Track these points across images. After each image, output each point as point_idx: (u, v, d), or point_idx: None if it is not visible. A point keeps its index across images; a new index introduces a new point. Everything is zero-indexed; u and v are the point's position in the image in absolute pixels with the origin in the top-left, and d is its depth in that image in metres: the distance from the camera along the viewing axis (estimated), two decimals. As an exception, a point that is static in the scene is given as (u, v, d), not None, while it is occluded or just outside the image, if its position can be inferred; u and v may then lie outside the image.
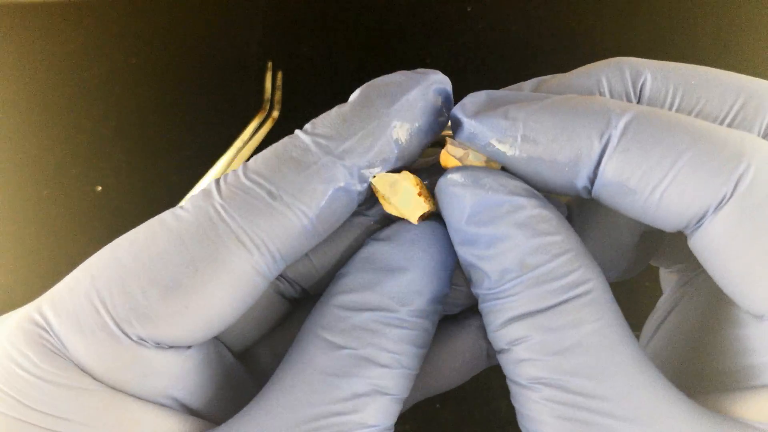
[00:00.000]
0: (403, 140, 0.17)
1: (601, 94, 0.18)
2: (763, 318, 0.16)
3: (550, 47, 0.43)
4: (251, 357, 0.21)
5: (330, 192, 0.17)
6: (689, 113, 0.17)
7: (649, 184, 0.16)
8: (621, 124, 0.16)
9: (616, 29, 0.44)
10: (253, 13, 0.44)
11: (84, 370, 0.16)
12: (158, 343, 0.17)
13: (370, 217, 0.20)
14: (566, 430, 0.16)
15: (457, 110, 0.18)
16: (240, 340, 0.21)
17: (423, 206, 0.18)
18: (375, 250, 0.18)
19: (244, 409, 0.17)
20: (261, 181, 0.17)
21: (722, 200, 0.15)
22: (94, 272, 0.17)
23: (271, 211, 0.17)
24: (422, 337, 0.18)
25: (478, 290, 0.18)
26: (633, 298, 0.34)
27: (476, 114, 0.17)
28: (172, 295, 0.16)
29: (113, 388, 0.17)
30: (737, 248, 0.16)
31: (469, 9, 0.44)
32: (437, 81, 0.18)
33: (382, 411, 0.17)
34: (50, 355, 0.16)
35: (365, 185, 0.18)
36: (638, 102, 0.18)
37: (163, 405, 0.18)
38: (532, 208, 0.17)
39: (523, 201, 0.17)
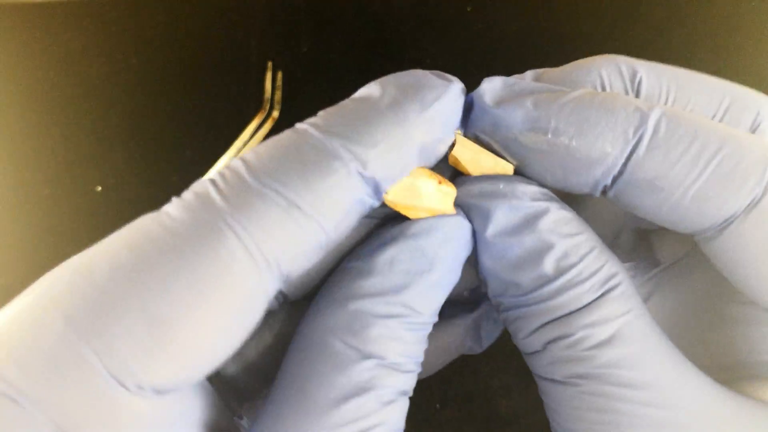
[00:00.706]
0: (429, 151, 0.16)
1: (602, 87, 0.18)
2: None
3: (550, 47, 0.43)
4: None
5: (348, 203, 0.15)
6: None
7: (680, 185, 0.16)
8: (652, 122, 0.16)
9: (616, 30, 0.44)
10: (253, 13, 0.44)
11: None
12: (158, 388, 0.14)
13: (374, 218, 0.18)
14: (606, 421, 0.16)
15: (479, 96, 0.17)
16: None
17: (451, 193, 0.17)
18: (401, 249, 0.16)
19: (264, 420, 0.15)
20: (275, 185, 0.14)
21: (752, 202, 0.15)
22: (66, 308, 0.13)
23: (288, 221, 0.14)
24: (429, 332, 0.17)
25: (504, 299, 0.17)
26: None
27: (500, 103, 0.17)
28: (174, 327, 0.13)
29: None
30: (766, 250, 0.16)
31: (469, 9, 0.44)
32: (461, 89, 0.17)
33: (403, 410, 0.16)
34: (18, 422, 0.13)
35: (380, 197, 0.16)
36: (637, 96, 0.18)
37: None
38: (556, 211, 0.16)
39: (546, 205, 0.16)
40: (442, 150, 0.17)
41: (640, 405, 0.16)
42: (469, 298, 0.22)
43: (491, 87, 0.17)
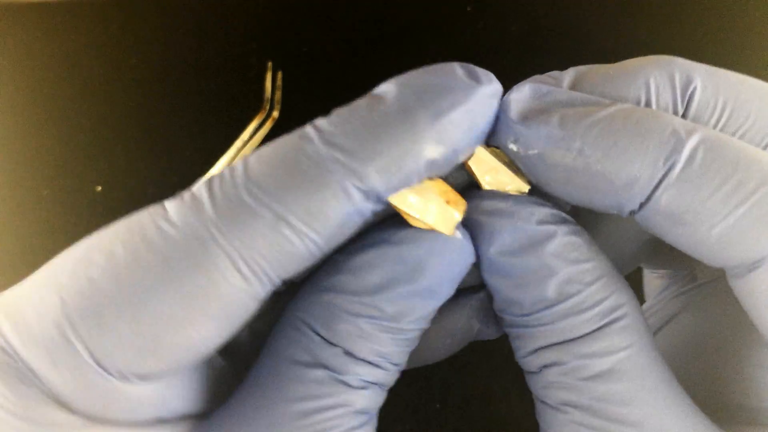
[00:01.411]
0: (439, 163, 0.15)
1: (647, 100, 0.16)
2: None
3: (550, 47, 0.43)
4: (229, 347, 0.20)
5: (342, 217, 0.15)
6: (734, 132, 0.16)
7: (706, 222, 0.15)
8: (687, 151, 0.15)
9: (616, 29, 0.44)
10: (253, 12, 0.44)
11: (60, 403, 0.15)
12: (144, 378, 0.15)
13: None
14: None
15: (504, 110, 0.16)
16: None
17: (455, 218, 0.16)
18: (386, 253, 0.16)
19: (230, 403, 0.16)
20: (265, 198, 0.14)
21: None
22: (64, 295, 0.14)
23: (276, 236, 0.14)
24: (416, 338, 0.17)
25: (506, 315, 0.17)
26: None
27: (525, 118, 0.16)
28: (161, 330, 0.14)
29: (94, 419, 0.15)
30: None
31: (469, 9, 0.44)
32: (490, 94, 0.15)
33: (373, 400, 0.16)
34: (18, 386, 0.14)
35: (382, 206, 0.15)
36: (685, 113, 0.16)
37: (146, 425, 0.16)
38: (563, 236, 0.16)
39: (553, 229, 0.16)
40: (460, 160, 0.16)
41: None
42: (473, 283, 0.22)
43: (518, 98, 0.16)
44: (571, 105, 0.16)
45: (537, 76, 0.17)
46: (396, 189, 0.15)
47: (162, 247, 0.14)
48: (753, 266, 0.15)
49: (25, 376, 0.14)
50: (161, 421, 0.16)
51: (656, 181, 0.15)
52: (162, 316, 0.14)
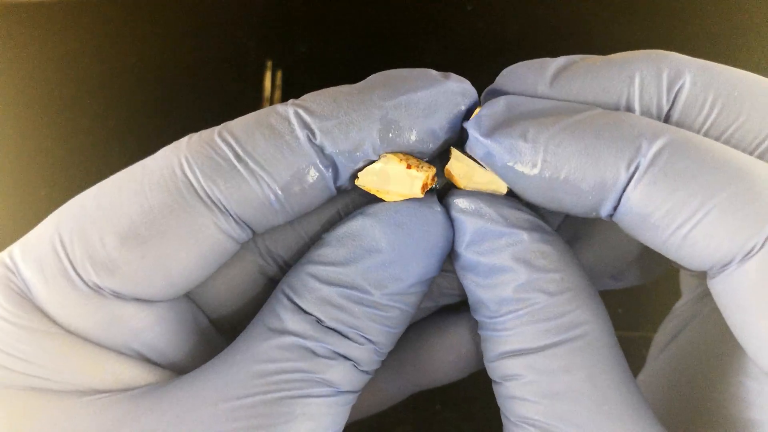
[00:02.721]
0: (388, 140, 0.16)
1: (630, 95, 0.16)
2: None
3: (550, 47, 0.43)
4: (233, 330, 0.21)
5: (298, 168, 0.16)
6: (723, 131, 0.16)
7: (673, 223, 0.15)
8: (651, 153, 0.15)
9: (616, 29, 0.44)
10: (252, 12, 0.44)
11: (47, 314, 0.16)
12: (116, 293, 0.16)
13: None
14: None
15: (472, 126, 0.16)
16: (218, 310, 0.20)
17: (419, 176, 0.16)
18: (359, 225, 0.17)
19: (210, 361, 0.17)
20: (231, 140, 0.16)
21: (750, 252, 0.14)
22: (60, 218, 0.17)
23: (233, 173, 0.16)
24: (396, 318, 0.17)
25: (477, 317, 0.17)
26: (637, 296, 0.34)
27: (493, 132, 0.16)
28: (129, 244, 0.16)
29: (75, 334, 0.16)
30: (759, 305, 0.15)
31: (469, 8, 0.44)
32: (456, 90, 0.16)
33: (345, 375, 0.16)
34: (15, 297, 0.16)
35: (345, 177, 0.16)
36: (671, 109, 0.16)
37: (126, 355, 0.17)
38: (532, 243, 0.16)
39: (523, 235, 0.16)
40: (419, 147, 0.17)
41: None
42: None
43: (488, 113, 0.16)
44: (540, 115, 0.16)
45: (525, 62, 0.18)
46: (348, 156, 0.16)
47: (140, 176, 0.16)
48: (722, 269, 0.15)
49: (21, 289, 0.16)
50: (134, 352, 0.18)
51: (622, 184, 0.15)
52: (131, 232, 0.16)
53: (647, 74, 0.16)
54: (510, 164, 0.16)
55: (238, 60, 0.43)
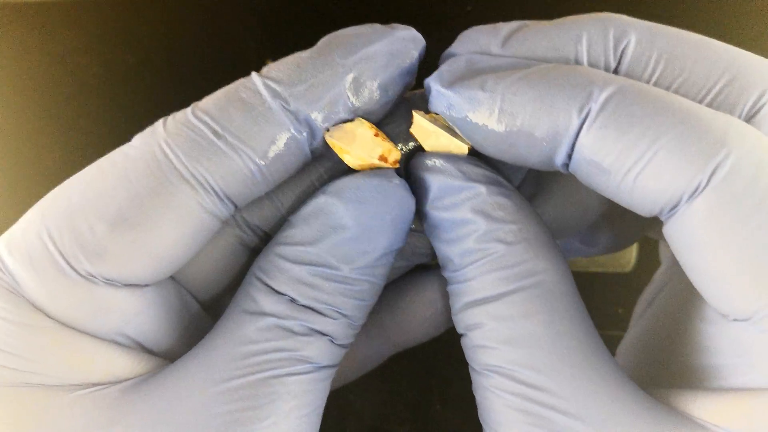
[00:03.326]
0: (358, 93, 0.17)
1: (578, 53, 0.17)
2: (729, 318, 0.16)
3: (550, 47, 0.43)
4: (221, 308, 0.21)
5: (275, 137, 0.17)
6: (668, 86, 0.17)
7: (624, 166, 0.15)
8: (602, 98, 0.15)
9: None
10: (252, 12, 0.44)
11: (36, 307, 0.17)
12: (108, 280, 0.17)
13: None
14: (514, 420, 0.16)
15: (434, 79, 0.17)
16: (204, 289, 0.21)
17: (382, 145, 0.18)
18: (322, 203, 0.17)
19: (194, 347, 0.17)
20: (207, 119, 0.17)
21: (696, 190, 0.15)
22: (44, 210, 0.17)
23: (214, 150, 0.16)
24: (367, 290, 0.18)
25: (445, 273, 0.18)
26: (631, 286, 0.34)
27: (452, 84, 0.17)
28: (118, 230, 0.16)
29: (66, 325, 0.17)
30: (708, 243, 0.15)
31: (469, 9, 0.44)
32: (407, 38, 0.18)
33: (322, 350, 0.17)
34: (3, 293, 0.16)
35: (318, 138, 0.17)
36: (618, 66, 0.17)
37: (118, 343, 0.18)
38: (490, 195, 0.17)
39: (481, 188, 0.17)
40: (385, 97, 0.17)
41: (544, 408, 0.16)
42: None
43: (450, 68, 0.17)
44: (498, 70, 0.17)
45: (480, 26, 0.19)
46: (324, 116, 0.17)
47: (122, 164, 0.17)
48: (673, 211, 0.15)
49: (9, 284, 0.17)
50: (127, 339, 0.18)
51: (574, 130, 0.15)
52: (120, 218, 0.16)
53: (594, 33, 0.17)
54: (469, 115, 0.17)
55: (238, 59, 0.43)
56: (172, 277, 0.19)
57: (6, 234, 0.17)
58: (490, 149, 0.17)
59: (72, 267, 0.16)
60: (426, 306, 0.21)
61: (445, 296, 0.20)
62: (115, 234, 0.16)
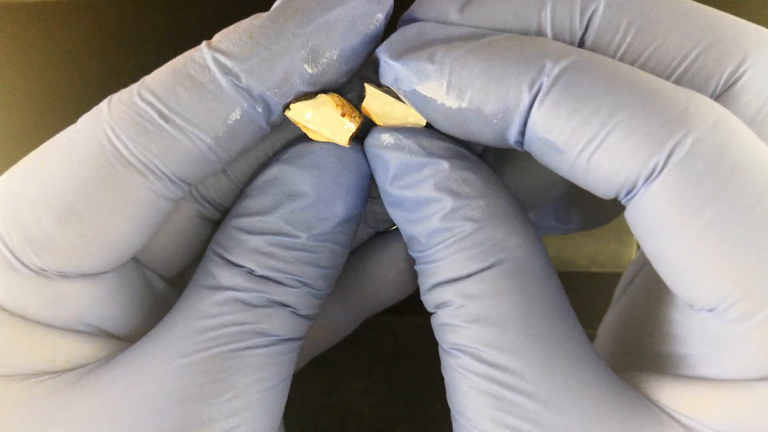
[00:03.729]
0: (316, 65, 0.16)
1: (541, 19, 0.16)
2: (694, 308, 0.15)
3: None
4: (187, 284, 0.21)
5: (228, 116, 0.16)
6: (639, 54, 0.15)
7: (577, 145, 0.14)
8: (554, 72, 0.14)
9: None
10: (252, 12, 0.44)
11: None
12: (60, 272, 0.16)
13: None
14: (479, 402, 0.15)
15: (382, 50, 0.16)
16: (169, 266, 0.20)
17: (350, 128, 0.17)
18: (277, 172, 0.17)
19: (154, 327, 0.17)
20: (153, 100, 0.15)
21: (653, 172, 0.14)
22: None
23: (162, 134, 0.15)
24: (328, 258, 0.17)
25: (412, 253, 0.17)
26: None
27: (402, 55, 0.16)
28: (66, 222, 0.16)
29: (23, 317, 0.16)
30: (666, 230, 0.14)
31: None
32: (373, 1, 0.16)
33: (284, 322, 0.17)
34: None
35: (276, 113, 0.16)
36: (584, 34, 0.16)
37: (80, 331, 0.17)
38: (453, 170, 0.16)
39: (444, 164, 0.16)
40: (346, 66, 0.16)
41: (509, 391, 0.15)
42: None
43: (399, 37, 0.16)
44: (451, 40, 0.16)
45: None
46: (279, 89, 0.16)
47: (67, 150, 0.16)
48: (629, 195, 0.15)
49: None
50: (90, 326, 0.17)
51: (525, 106, 0.14)
52: (68, 210, 0.15)
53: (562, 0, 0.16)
54: (417, 88, 0.15)
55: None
56: (133, 259, 0.19)
57: None
58: (441, 124, 0.16)
59: (21, 262, 0.16)
60: (389, 267, 0.20)
61: (409, 257, 0.20)
62: (62, 227, 0.16)
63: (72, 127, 0.16)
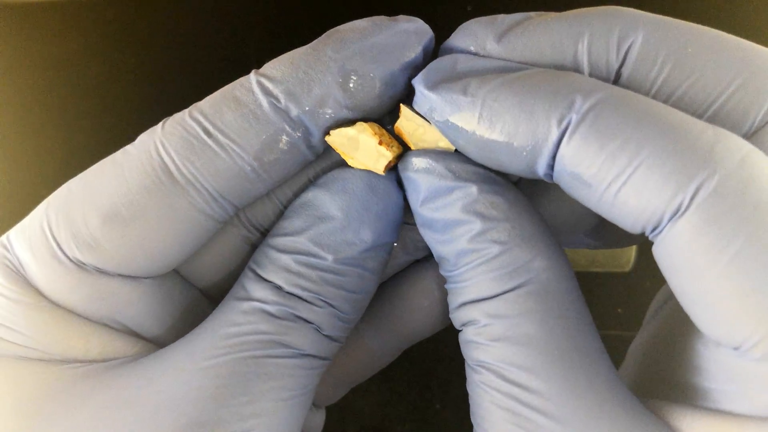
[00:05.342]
0: (351, 89, 0.16)
1: (578, 52, 0.16)
2: (720, 344, 0.15)
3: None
4: None
5: (266, 135, 0.16)
6: (675, 89, 0.15)
7: (604, 181, 0.14)
8: (584, 108, 0.14)
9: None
10: (252, 13, 0.44)
11: (38, 290, 0.17)
12: (99, 269, 0.17)
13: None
14: (498, 418, 0.16)
15: (418, 80, 0.17)
16: (213, 286, 0.21)
17: (386, 156, 0.17)
18: (312, 195, 0.18)
19: (188, 334, 0.18)
20: (200, 118, 0.17)
21: (678, 210, 0.14)
22: (50, 199, 0.18)
23: (204, 149, 0.16)
24: (355, 282, 0.18)
25: (442, 272, 0.18)
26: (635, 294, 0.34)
27: (437, 85, 0.16)
28: (110, 224, 0.17)
29: (64, 307, 0.17)
30: (692, 268, 0.14)
31: (469, 9, 0.44)
32: (409, 30, 0.17)
33: (306, 338, 0.17)
34: (9, 273, 0.17)
35: (316, 137, 0.17)
36: (621, 67, 0.16)
37: (113, 328, 0.18)
38: (481, 194, 0.16)
39: (472, 188, 0.16)
40: (387, 92, 0.17)
41: (529, 409, 0.15)
42: None
43: (437, 67, 0.17)
44: (485, 72, 0.16)
45: (480, 18, 0.18)
46: (316, 112, 0.16)
47: (121, 160, 0.17)
48: (656, 231, 0.15)
49: (15, 267, 0.17)
50: (120, 325, 0.18)
51: (554, 140, 0.15)
52: (112, 212, 0.17)
53: (597, 30, 0.16)
54: (450, 118, 0.16)
55: (238, 61, 0.43)
56: (177, 273, 0.20)
57: (21, 223, 0.18)
58: (472, 154, 0.17)
59: (65, 253, 0.17)
60: (423, 295, 0.21)
61: (442, 287, 0.20)
62: (106, 227, 0.17)
63: (132, 143, 0.18)
